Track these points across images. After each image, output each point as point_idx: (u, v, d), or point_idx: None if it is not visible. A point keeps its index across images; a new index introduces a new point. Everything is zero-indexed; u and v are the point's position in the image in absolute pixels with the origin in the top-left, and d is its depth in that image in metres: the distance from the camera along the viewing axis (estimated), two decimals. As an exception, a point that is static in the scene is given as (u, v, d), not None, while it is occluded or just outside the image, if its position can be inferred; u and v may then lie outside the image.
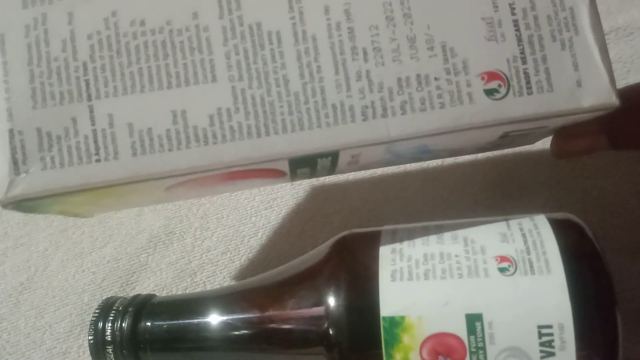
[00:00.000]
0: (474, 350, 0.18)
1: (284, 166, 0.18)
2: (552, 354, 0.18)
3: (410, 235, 0.21)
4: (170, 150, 0.17)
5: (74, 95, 0.17)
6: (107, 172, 0.17)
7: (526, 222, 0.21)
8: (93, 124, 0.17)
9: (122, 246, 0.30)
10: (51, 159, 0.17)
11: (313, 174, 0.20)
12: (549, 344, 0.18)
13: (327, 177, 0.30)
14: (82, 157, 0.17)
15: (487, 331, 0.18)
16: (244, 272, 0.29)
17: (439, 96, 0.17)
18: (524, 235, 0.20)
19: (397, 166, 0.30)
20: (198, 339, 0.22)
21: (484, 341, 0.18)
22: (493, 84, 0.17)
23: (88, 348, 0.23)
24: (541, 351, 0.18)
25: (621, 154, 0.28)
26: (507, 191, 0.29)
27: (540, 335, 0.18)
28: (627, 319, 0.19)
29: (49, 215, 0.31)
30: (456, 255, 0.20)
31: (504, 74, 0.17)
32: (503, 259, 0.19)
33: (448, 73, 0.17)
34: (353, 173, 0.30)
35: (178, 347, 0.23)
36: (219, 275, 0.29)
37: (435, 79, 0.17)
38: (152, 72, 0.17)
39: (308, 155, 0.17)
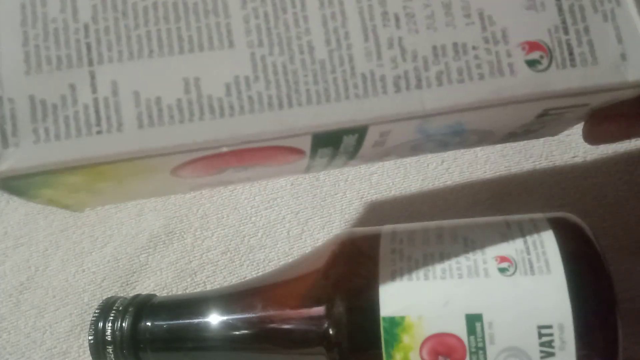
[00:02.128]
0: (474, 350, 0.18)
1: (306, 144, 0.17)
2: (552, 354, 0.18)
3: (410, 235, 0.21)
4: (181, 122, 0.15)
5: (73, 60, 0.15)
6: (110, 146, 0.15)
7: (526, 222, 0.21)
8: (94, 92, 0.15)
9: (122, 246, 0.30)
10: (45, 131, 0.15)
11: (334, 157, 0.19)
12: (549, 344, 0.18)
13: (327, 174, 0.30)
14: (81, 129, 0.15)
15: (487, 331, 0.18)
16: (244, 272, 0.29)
17: (478, 66, 0.16)
18: (523, 236, 0.20)
19: (397, 166, 0.30)
20: (198, 339, 0.22)
21: (484, 341, 0.18)
22: (535, 55, 0.16)
23: (88, 348, 0.23)
24: (541, 351, 0.18)
25: (621, 153, 0.28)
26: (507, 191, 0.29)
27: (540, 335, 0.18)
28: (627, 319, 0.19)
29: (49, 215, 0.31)
30: (456, 256, 0.20)
31: (546, 45, 0.16)
32: (503, 259, 0.19)
33: (487, 42, 0.16)
34: (353, 173, 0.30)
35: (178, 347, 0.23)
36: (219, 275, 0.29)
37: (473, 48, 0.16)
38: (161, 35, 0.15)
39: (334, 130, 0.16)
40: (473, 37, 0.16)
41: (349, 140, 0.17)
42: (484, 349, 0.18)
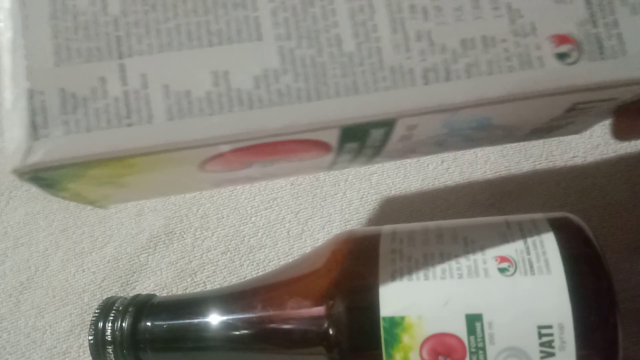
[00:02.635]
0: (473, 350, 0.18)
1: (333, 137, 0.17)
2: (552, 354, 0.18)
3: (410, 235, 0.21)
4: (210, 114, 0.15)
5: (103, 53, 0.15)
6: (140, 138, 0.15)
7: (526, 222, 0.21)
8: (124, 85, 0.15)
9: (122, 246, 0.30)
10: (76, 123, 0.15)
11: (359, 152, 0.19)
12: (549, 344, 0.18)
13: (327, 174, 0.30)
14: (111, 121, 0.15)
15: (487, 331, 0.18)
16: (244, 272, 0.29)
17: (507, 59, 0.16)
18: (523, 236, 0.20)
19: (397, 166, 0.30)
20: (198, 339, 0.22)
21: (483, 341, 0.18)
22: (564, 48, 0.16)
23: (88, 348, 0.23)
24: (541, 351, 0.18)
25: (621, 153, 0.28)
26: (507, 191, 0.29)
27: (540, 335, 0.18)
28: (627, 319, 0.19)
29: (49, 215, 0.31)
30: (456, 256, 0.20)
31: (575, 38, 0.16)
32: (503, 259, 0.19)
33: (515, 35, 0.16)
34: (353, 173, 0.30)
35: (178, 347, 0.23)
36: (219, 275, 0.29)
37: (502, 41, 0.16)
38: (191, 28, 0.16)
39: (362, 123, 0.16)
40: (502, 30, 0.16)
41: (376, 134, 0.17)
42: (484, 349, 0.18)
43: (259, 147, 0.17)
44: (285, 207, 0.30)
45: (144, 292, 0.27)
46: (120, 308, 0.23)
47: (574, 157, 0.29)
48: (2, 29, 0.16)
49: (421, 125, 0.17)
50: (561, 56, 0.16)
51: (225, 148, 0.16)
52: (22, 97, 0.15)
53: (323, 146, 0.18)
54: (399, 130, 0.17)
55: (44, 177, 0.16)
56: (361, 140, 0.17)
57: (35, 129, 0.15)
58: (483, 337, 0.18)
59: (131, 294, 0.27)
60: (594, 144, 0.29)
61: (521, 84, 0.16)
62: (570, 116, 0.19)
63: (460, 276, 0.19)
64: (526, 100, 0.16)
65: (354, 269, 0.21)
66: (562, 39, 0.16)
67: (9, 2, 0.16)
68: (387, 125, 0.17)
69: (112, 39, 0.15)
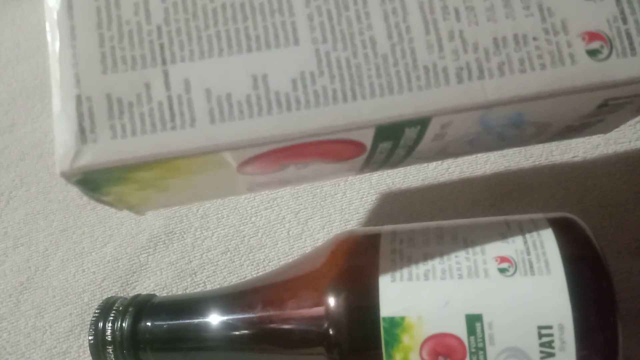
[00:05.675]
0: (473, 350, 0.18)
1: (368, 137, 0.17)
2: (552, 355, 0.18)
3: (410, 235, 0.21)
4: (250, 117, 0.16)
5: (147, 60, 0.16)
6: (183, 141, 0.16)
7: (526, 222, 0.21)
8: (168, 90, 0.16)
9: (122, 246, 0.30)
10: (122, 127, 0.16)
11: (392, 153, 0.19)
12: (549, 344, 0.18)
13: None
14: (156, 125, 0.16)
15: (487, 332, 0.18)
16: (244, 272, 0.29)
17: (539, 57, 0.16)
18: (523, 236, 0.20)
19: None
20: (198, 339, 0.22)
21: (483, 342, 0.18)
22: (595, 45, 0.17)
23: (88, 348, 0.23)
24: (541, 352, 0.18)
25: (621, 153, 0.28)
26: (507, 191, 0.29)
27: (540, 335, 0.18)
28: (627, 319, 0.19)
29: (49, 215, 0.31)
30: (456, 256, 0.20)
31: (606, 35, 0.17)
32: (503, 259, 0.19)
33: (547, 33, 0.17)
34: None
35: (178, 347, 0.23)
36: (219, 275, 0.29)
37: (534, 39, 0.16)
38: (230, 35, 0.16)
39: (397, 122, 0.16)
40: (533, 28, 0.17)
41: (410, 133, 0.17)
42: (484, 349, 0.18)
43: (296, 148, 0.17)
44: (285, 207, 0.30)
45: (144, 292, 0.27)
46: (120, 308, 0.23)
47: (574, 157, 0.29)
48: (50, 39, 0.16)
49: (455, 123, 0.17)
50: (592, 53, 0.17)
51: (264, 149, 0.17)
52: (71, 103, 0.16)
53: (358, 146, 0.18)
54: (432, 129, 0.17)
55: (90, 180, 0.16)
56: (395, 139, 0.18)
57: (83, 134, 0.16)
58: (483, 338, 0.18)
59: (131, 294, 0.27)
60: (594, 144, 0.29)
61: (553, 81, 0.16)
62: (601, 113, 0.19)
63: (461, 276, 0.19)
64: (558, 96, 0.17)
65: (354, 269, 0.21)
66: (592, 36, 0.17)
67: (56, 13, 0.16)
68: (422, 123, 0.17)
69: (156, 46, 0.16)
